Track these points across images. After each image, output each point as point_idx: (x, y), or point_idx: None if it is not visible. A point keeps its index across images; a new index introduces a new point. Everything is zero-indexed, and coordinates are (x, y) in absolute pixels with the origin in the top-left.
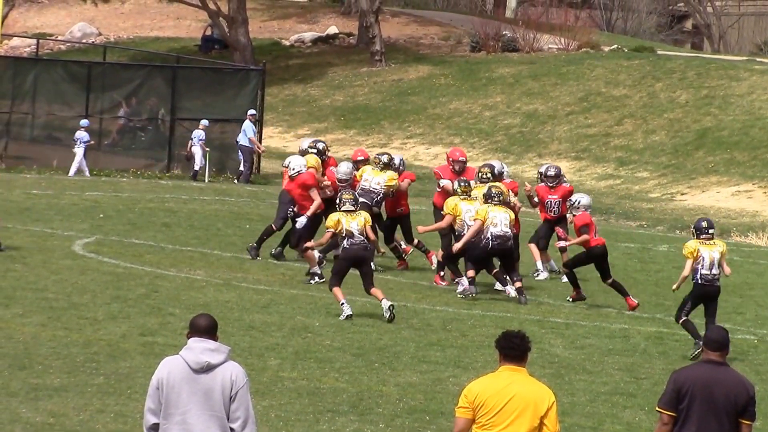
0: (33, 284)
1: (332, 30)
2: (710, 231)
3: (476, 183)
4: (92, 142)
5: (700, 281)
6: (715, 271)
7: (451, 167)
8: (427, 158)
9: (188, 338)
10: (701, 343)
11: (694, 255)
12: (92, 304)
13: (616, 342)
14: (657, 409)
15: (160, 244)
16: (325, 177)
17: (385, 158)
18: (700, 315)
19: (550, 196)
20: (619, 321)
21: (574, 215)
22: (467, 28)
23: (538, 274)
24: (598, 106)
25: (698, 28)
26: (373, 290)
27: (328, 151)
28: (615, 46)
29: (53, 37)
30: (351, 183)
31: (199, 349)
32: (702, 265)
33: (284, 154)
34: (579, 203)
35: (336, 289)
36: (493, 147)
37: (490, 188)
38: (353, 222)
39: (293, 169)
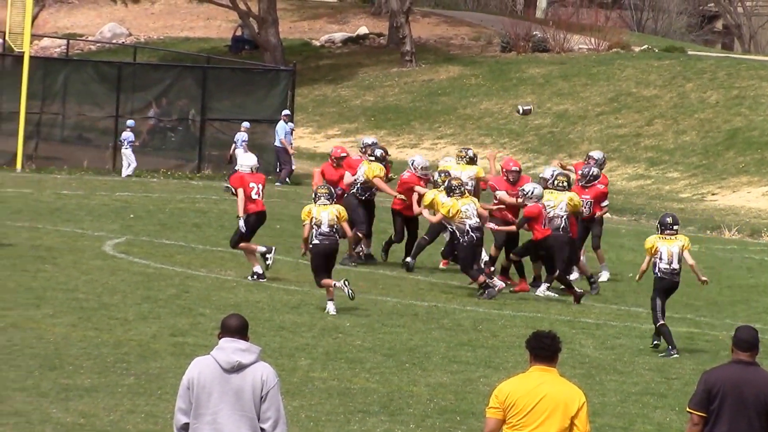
0: (63, 285)
1: (362, 30)
2: (674, 227)
3: (551, 190)
4: (137, 143)
5: (659, 274)
6: (675, 265)
7: (505, 177)
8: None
9: (219, 338)
10: (674, 352)
11: (653, 250)
12: (123, 305)
13: (646, 342)
14: (688, 409)
15: (191, 245)
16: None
17: (470, 153)
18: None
19: (583, 196)
20: (649, 321)
21: (525, 204)
22: (497, 29)
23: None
24: (629, 106)
25: (729, 29)
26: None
27: (388, 155)
28: (645, 46)
29: (83, 38)
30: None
31: (230, 349)
32: (660, 259)
33: (314, 154)
34: (532, 193)
35: (325, 281)
36: (524, 147)
37: (450, 181)
38: (324, 212)
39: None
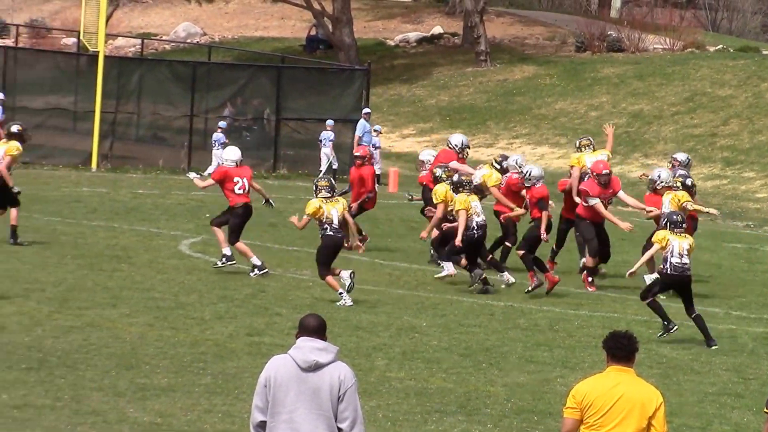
0: (140, 284)
1: (437, 30)
2: (683, 225)
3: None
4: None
5: (669, 270)
6: (685, 260)
7: (596, 181)
8: (533, 158)
9: (297, 338)
10: (672, 326)
11: (664, 243)
12: (199, 304)
13: (723, 342)
14: (765, 410)
15: (267, 244)
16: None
17: (504, 164)
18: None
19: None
20: (726, 321)
21: (528, 187)
22: (572, 29)
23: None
24: (704, 106)
25: None
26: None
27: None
28: (720, 46)
29: (158, 37)
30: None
31: (307, 348)
32: (671, 254)
33: (389, 154)
34: (530, 174)
35: (329, 279)
36: (599, 147)
37: (459, 176)
38: (333, 209)
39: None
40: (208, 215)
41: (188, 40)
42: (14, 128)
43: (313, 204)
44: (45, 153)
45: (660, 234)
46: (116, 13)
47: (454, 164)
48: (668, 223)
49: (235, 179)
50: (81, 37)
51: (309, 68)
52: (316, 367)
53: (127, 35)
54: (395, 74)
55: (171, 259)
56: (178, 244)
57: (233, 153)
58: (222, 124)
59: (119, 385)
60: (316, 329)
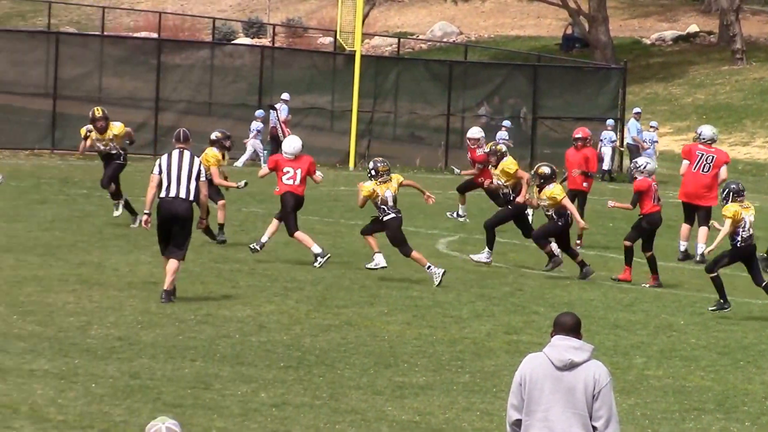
0: (398, 282)
1: (693, 28)
2: (744, 193)
3: None
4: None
5: (740, 243)
6: (751, 231)
7: None
8: None
9: (552, 336)
10: (727, 306)
11: (737, 218)
12: (457, 303)
13: None
14: None
15: (525, 243)
16: None
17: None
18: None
19: None
20: None
21: (635, 178)
22: None
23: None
24: None
25: None
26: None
27: None
28: None
29: (414, 37)
30: None
31: (563, 347)
32: (743, 228)
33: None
34: (644, 167)
35: (414, 254)
36: None
37: (541, 167)
38: (387, 190)
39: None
40: (462, 218)
41: (444, 39)
42: (213, 135)
43: (366, 187)
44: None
45: (731, 209)
46: (372, 12)
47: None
48: (731, 194)
49: (285, 169)
50: (337, 37)
51: (565, 67)
52: (571, 366)
53: (383, 34)
54: (651, 73)
55: (429, 257)
56: (436, 242)
57: (289, 145)
58: (506, 123)
59: (377, 384)
60: (572, 328)
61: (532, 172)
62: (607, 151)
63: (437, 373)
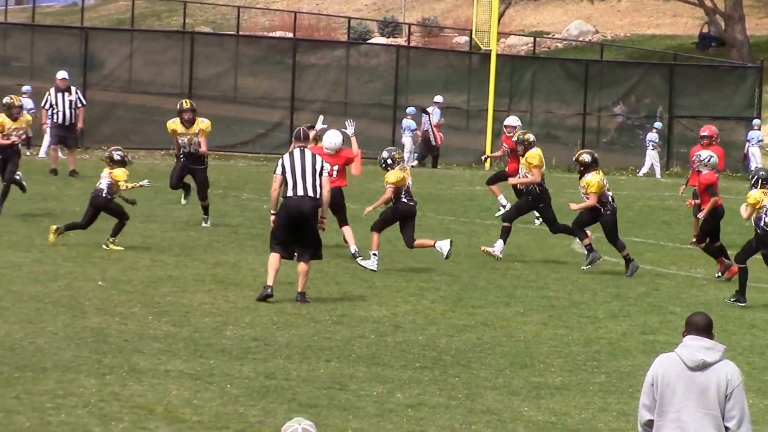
0: (533, 282)
1: None
2: None
3: None
4: (660, 145)
5: (766, 229)
6: None
7: None
8: None
9: (684, 336)
10: (743, 300)
11: (758, 205)
12: (592, 303)
13: None
14: None
15: (660, 242)
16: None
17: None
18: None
19: None
20: None
21: (700, 172)
22: None
23: None
24: None
25: None
26: (417, 242)
27: None
28: None
29: (549, 36)
30: None
31: (695, 347)
32: (766, 213)
33: None
34: (708, 161)
35: (375, 235)
36: None
37: (582, 155)
38: (409, 178)
39: None
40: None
41: (580, 38)
42: (116, 155)
43: (396, 174)
44: (439, 152)
45: (754, 195)
46: (508, 12)
47: None
48: (760, 180)
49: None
50: (473, 36)
51: (701, 66)
52: (704, 366)
53: (519, 33)
54: None
55: (564, 257)
56: (572, 242)
57: (329, 140)
58: (657, 125)
59: (513, 384)
60: (704, 328)
61: (574, 159)
62: (755, 151)
63: (573, 374)
